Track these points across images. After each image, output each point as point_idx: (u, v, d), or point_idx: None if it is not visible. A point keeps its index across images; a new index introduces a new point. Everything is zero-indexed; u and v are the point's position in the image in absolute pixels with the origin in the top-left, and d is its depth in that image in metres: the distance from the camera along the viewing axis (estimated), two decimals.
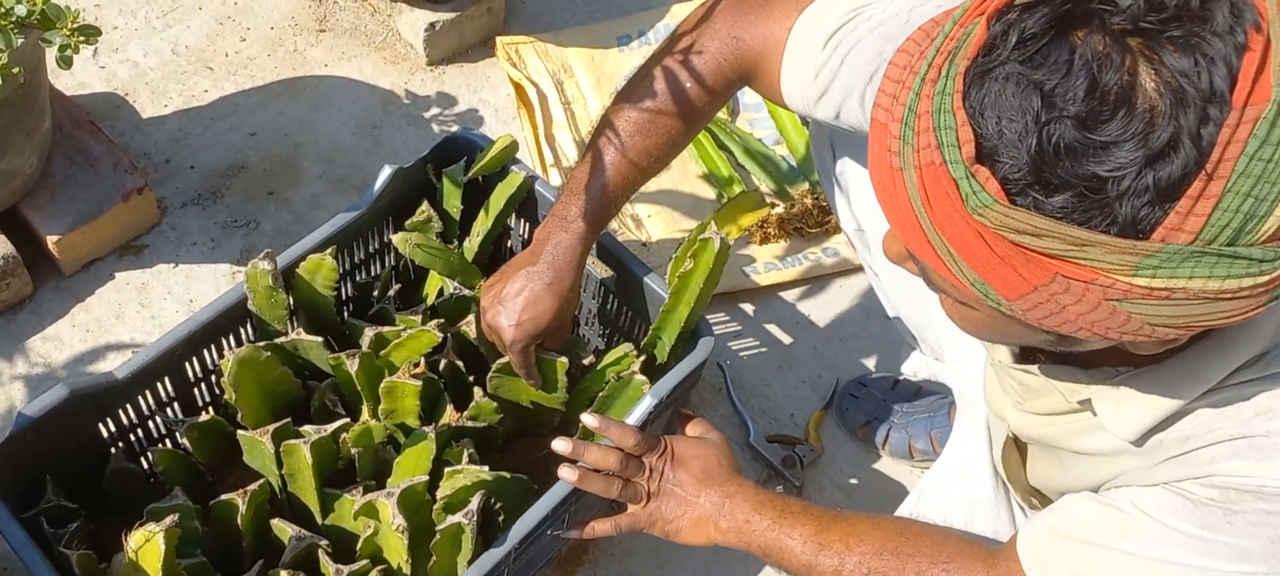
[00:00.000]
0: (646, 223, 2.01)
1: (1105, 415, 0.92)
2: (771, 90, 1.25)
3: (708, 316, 1.87)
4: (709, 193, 2.07)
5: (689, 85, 1.26)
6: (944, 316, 1.31)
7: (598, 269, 1.52)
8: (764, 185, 2.09)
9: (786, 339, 1.93)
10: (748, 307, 1.95)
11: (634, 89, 1.29)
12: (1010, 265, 0.73)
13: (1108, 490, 0.97)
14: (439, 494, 1.30)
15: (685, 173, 2.10)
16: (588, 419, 1.24)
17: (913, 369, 1.75)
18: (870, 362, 1.91)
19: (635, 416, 1.33)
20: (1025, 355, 1.03)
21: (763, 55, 1.23)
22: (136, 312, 1.78)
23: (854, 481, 1.78)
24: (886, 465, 1.79)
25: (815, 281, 2.00)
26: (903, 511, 1.35)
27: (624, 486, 1.22)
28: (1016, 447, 1.19)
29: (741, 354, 1.90)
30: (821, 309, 1.97)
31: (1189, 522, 0.87)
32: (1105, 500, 0.96)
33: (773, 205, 2.06)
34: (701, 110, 1.28)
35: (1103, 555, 0.92)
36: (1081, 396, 0.94)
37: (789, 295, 1.98)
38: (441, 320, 1.46)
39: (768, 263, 1.98)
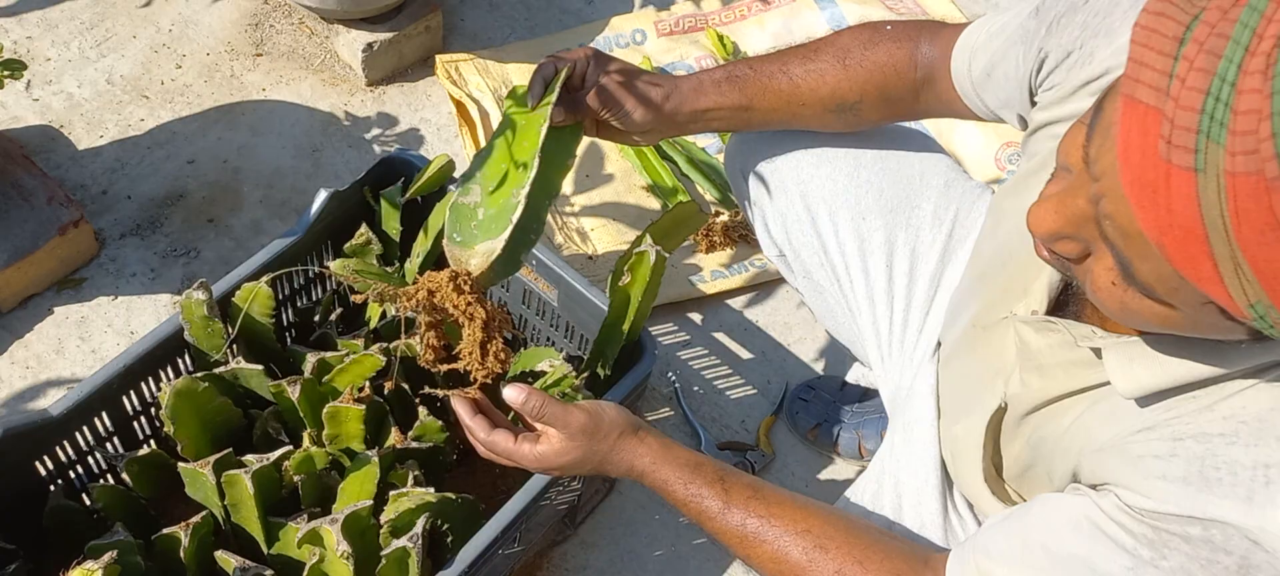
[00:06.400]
0: (591, 236, 2.01)
1: (1112, 367, 0.89)
2: (908, 99, 1.28)
3: (656, 327, 1.89)
4: (654, 204, 2.08)
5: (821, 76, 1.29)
6: (861, 330, 1.30)
7: (541, 288, 1.52)
8: (708, 194, 2.10)
9: (735, 346, 1.93)
10: (696, 316, 1.96)
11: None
12: None
13: (1071, 486, 0.97)
14: (384, 518, 1.29)
15: (629, 184, 2.10)
16: (509, 393, 1.15)
17: (856, 376, 1.77)
18: (818, 366, 1.93)
19: None
20: (1059, 303, 1.03)
21: (921, 63, 1.26)
22: (77, 347, 1.76)
23: (806, 485, 1.79)
24: (838, 467, 1.80)
25: (761, 287, 2.01)
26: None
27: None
28: (990, 442, 1.17)
29: (691, 363, 1.90)
30: (768, 314, 1.98)
31: (1116, 561, 0.87)
32: (1032, 528, 0.96)
33: (717, 214, 2.07)
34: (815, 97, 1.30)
35: None
36: (1095, 344, 0.93)
37: (736, 302, 1.99)
38: (385, 343, 1.45)
39: (714, 271, 1.99)
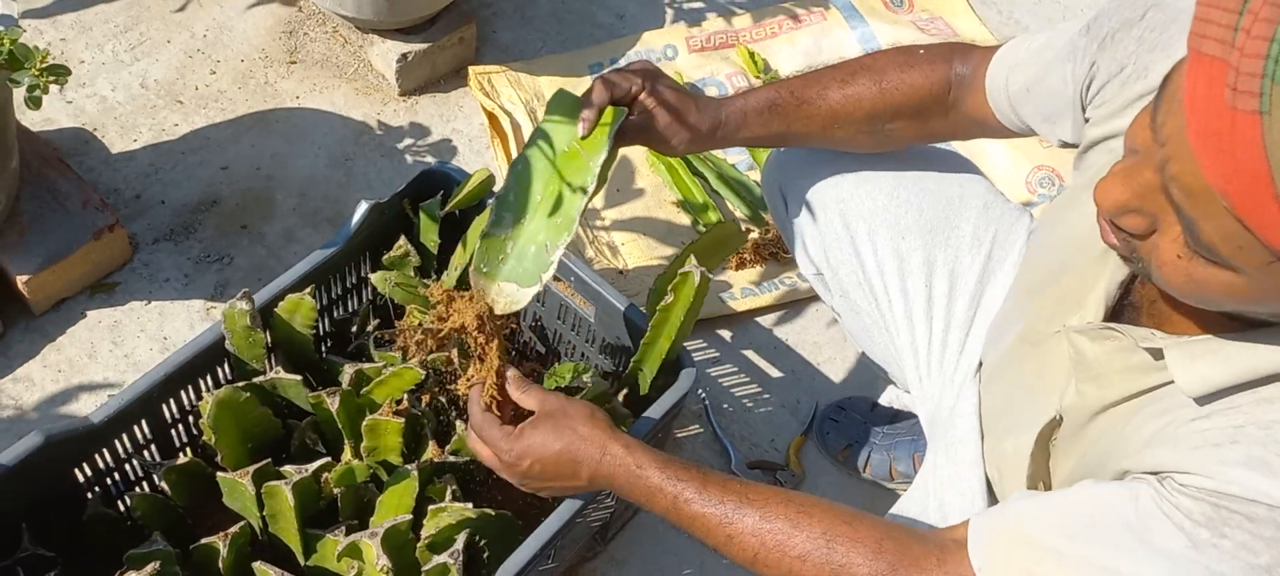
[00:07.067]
0: (622, 250, 2.01)
1: (1175, 365, 0.89)
2: (941, 116, 1.30)
3: (686, 344, 1.88)
4: (684, 219, 2.08)
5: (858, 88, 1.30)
6: (898, 351, 1.29)
7: (578, 304, 1.52)
8: (738, 211, 2.10)
9: (765, 364, 1.93)
10: (725, 334, 1.95)
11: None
12: None
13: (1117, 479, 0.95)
14: (423, 532, 1.29)
15: (660, 200, 2.10)
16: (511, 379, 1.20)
17: (890, 399, 1.76)
18: (849, 386, 1.92)
19: None
20: (1114, 313, 1.02)
21: (955, 81, 1.27)
22: (109, 352, 1.76)
23: None
24: (868, 489, 1.80)
25: (792, 306, 2.00)
26: None
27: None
28: (1040, 456, 1.16)
29: (721, 380, 1.90)
30: (798, 333, 1.97)
31: (1172, 540, 0.85)
32: (1076, 504, 0.94)
33: (748, 231, 2.07)
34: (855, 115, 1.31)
35: (1067, 565, 0.91)
36: (1155, 344, 0.93)
37: (766, 320, 1.98)
38: (422, 357, 1.45)
39: (744, 288, 1.99)
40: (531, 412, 1.18)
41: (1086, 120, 1.11)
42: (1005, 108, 1.24)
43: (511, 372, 1.20)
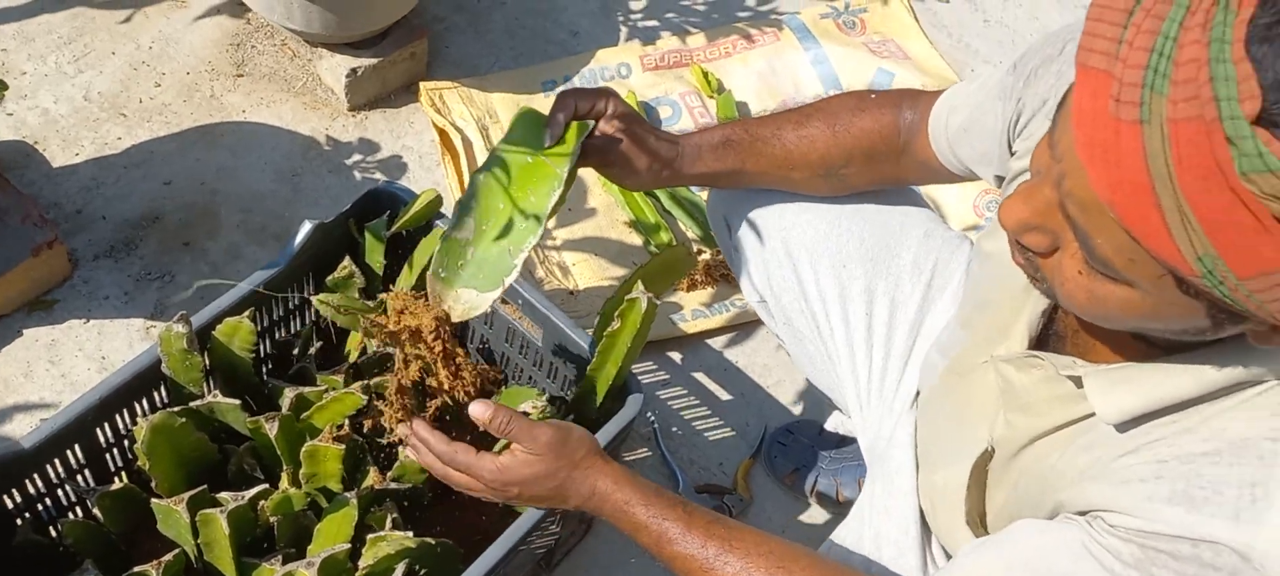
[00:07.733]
0: (573, 271, 2.00)
1: (1093, 393, 0.91)
2: (892, 161, 1.31)
3: (635, 366, 1.87)
4: (636, 239, 2.07)
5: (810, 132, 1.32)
6: (840, 378, 1.29)
7: (526, 327, 1.51)
8: (690, 231, 2.10)
9: (714, 387, 1.92)
10: (675, 356, 1.95)
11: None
12: (1261, 238, 0.66)
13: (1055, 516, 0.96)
14: (361, 562, 1.27)
15: (612, 220, 2.09)
16: (475, 409, 1.13)
17: (835, 424, 1.77)
18: (797, 409, 1.92)
19: None
20: (1039, 343, 1.03)
21: (902, 128, 1.29)
22: (46, 371, 1.72)
23: (783, 529, 1.78)
24: (815, 513, 1.80)
25: (742, 328, 2.00)
26: None
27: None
28: (975, 488, 1.17)
29: (670, 403, 1.89)
30: (748, 356, 1.97)
31: None
32: (1015, 551, 0.95)
33: (699, 252, 2.06)
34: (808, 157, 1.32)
35: None
36: (1075, 372, 0.94)
37: (716, 343, 1.98)
38: (365, 381, 1.43)
39: (695, 310, 1.98)
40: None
41: (1013, 154, 1.12)
42: (945, 149, 1.25)
43: (483, 408, 1.12)
